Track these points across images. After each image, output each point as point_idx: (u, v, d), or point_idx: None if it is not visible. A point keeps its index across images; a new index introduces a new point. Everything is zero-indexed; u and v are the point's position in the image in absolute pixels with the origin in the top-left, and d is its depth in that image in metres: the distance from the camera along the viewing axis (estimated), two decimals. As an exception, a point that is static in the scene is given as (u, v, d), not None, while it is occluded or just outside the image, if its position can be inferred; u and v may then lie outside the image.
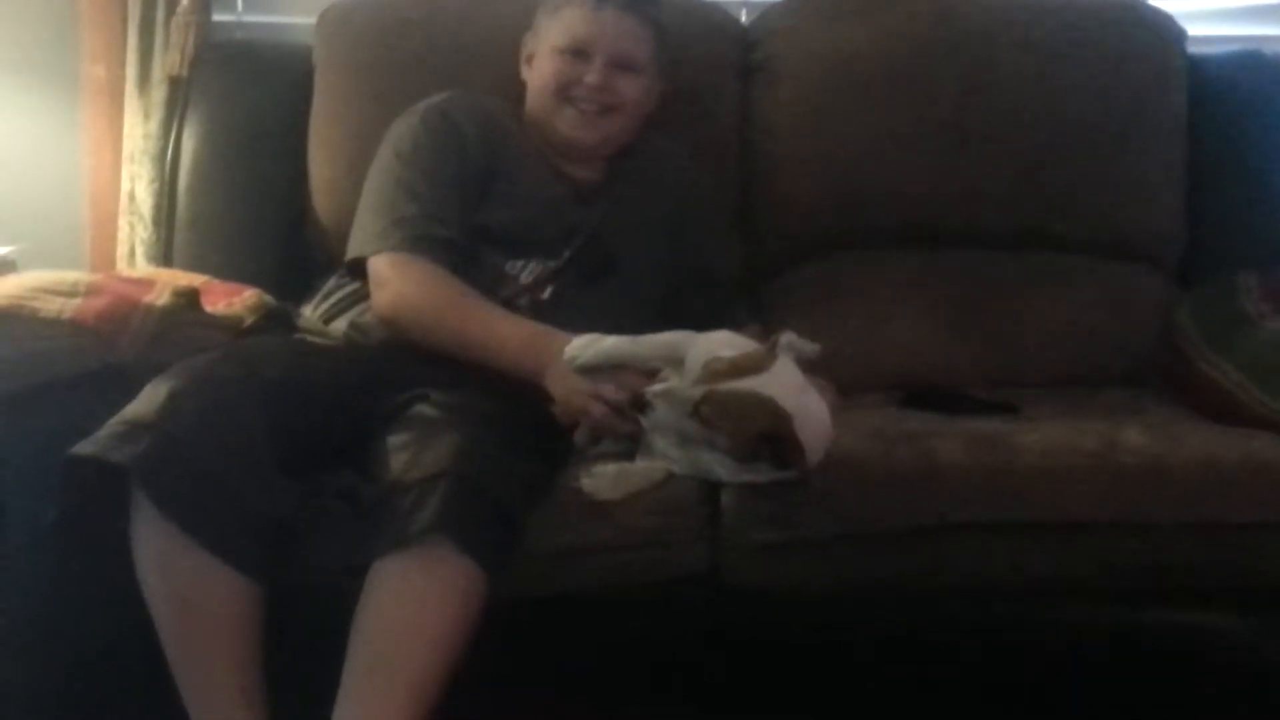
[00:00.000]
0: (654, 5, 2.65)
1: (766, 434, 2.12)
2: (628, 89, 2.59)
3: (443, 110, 2.59)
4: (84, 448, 2.04)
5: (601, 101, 2.57)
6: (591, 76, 2.56)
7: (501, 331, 2.36)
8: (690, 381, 2.16)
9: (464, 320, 2.38)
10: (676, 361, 2.21)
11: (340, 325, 2.52)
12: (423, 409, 2.23)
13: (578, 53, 2.56)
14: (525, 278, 2.52)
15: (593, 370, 2.26)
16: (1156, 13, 3.05)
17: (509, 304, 2.46)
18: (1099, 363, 2.85)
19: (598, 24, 2.57)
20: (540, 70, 2.61)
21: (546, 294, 2.51)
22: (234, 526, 2.05)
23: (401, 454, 2.12)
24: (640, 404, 2.19)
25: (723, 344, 2.25)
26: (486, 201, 2.54)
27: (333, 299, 2.58)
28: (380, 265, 2.45)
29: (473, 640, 2.05)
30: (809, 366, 2.24)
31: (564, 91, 2.57)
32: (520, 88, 2.68)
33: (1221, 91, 3.04)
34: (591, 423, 2.27)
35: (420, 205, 2.48)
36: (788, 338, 2.22)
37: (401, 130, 2.58)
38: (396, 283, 2.42)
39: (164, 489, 2.03)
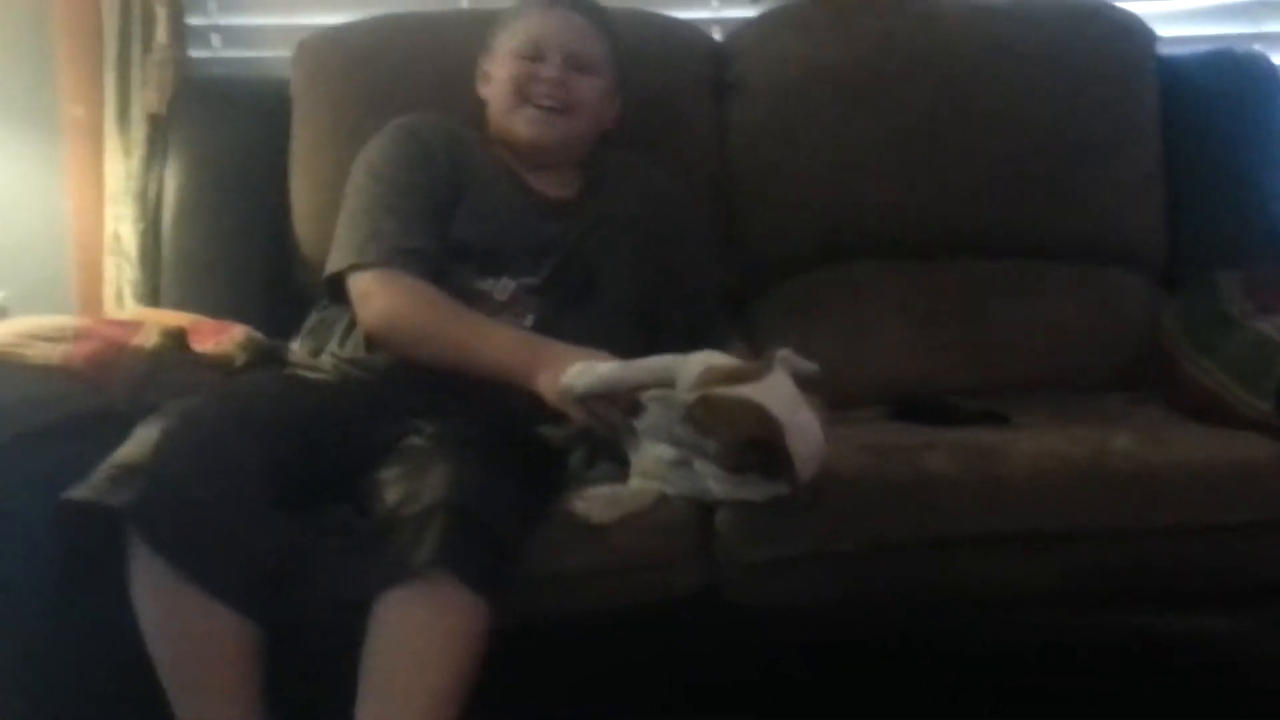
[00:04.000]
0: (605, 13, 2.70)
1: (756, 441, 2.11)
2: (584, 89, 2.62)
3: (410, 128, 2.61)
4: (78, 492, 2.04)
5: (559, 98, 2.59)
6: (548, 70, 2.59)
7: (490, 337, 2.39)
8: (685, 387, 2.17)
9: (451, 329, 2.40)
10: (668, 384, 2.22)
11: (325, 358, 2.52)
12: (414, 440, 2.24)
13: (533, 53, 2.60)
14: (500, 294, 2.52)
15: (587, 398, 2.27)
16: (1126, 15, 3.07)
17: None
18: (1085, 368, 2.86)
19: (551, 23, 2.62)
20: (498, 78, 2.64)
21: (529, 320, 2.51)
22: (230, 566, 2.04)
23: (395, 487, 2.12)
24: (634, 408, 2.20)
25: (713, 362, 2.26)
26: (455, 218, 2.55)
27: (314, 331, 2.59)
28: (363, 281, 2.47)
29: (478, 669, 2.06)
30: (802, 386, 2.24)
31: (522, 91, 2.60)
32: (484, 110, 2.69)
33: (1194, 91, 3.06)
34: (589, 417, 2.27)
35: (396, 220, 2.50)
36: (784, 353, 2.22)
37: (372, 151, 2.61)
38: (383, 296, 2.44)
39: (159, 531, 2.02)
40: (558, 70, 2.59)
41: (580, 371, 2.26)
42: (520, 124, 2.61)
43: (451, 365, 2.37)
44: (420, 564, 2.01)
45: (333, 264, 2.53)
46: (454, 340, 2.39)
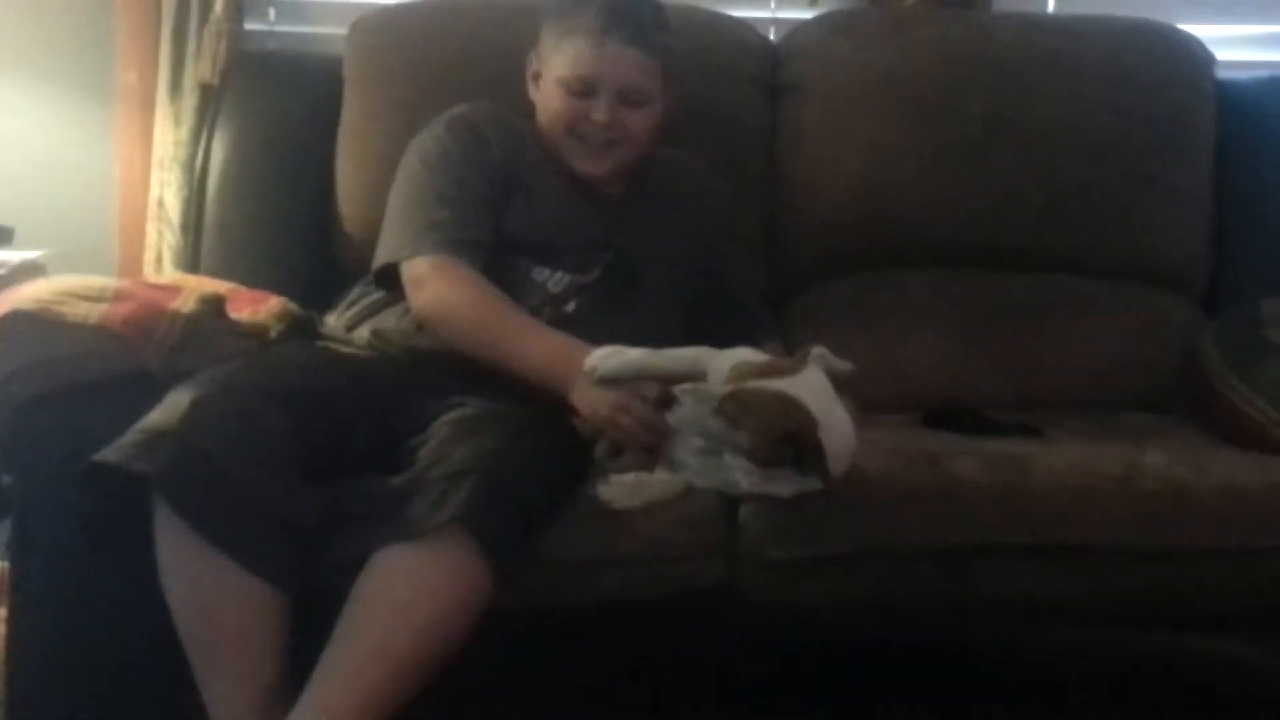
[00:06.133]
0: (661, 31, 2.59)
1: (790, 436, 2.11)
2: (636, 123, 2.55)
3: (467, 120, 2.59)
4: (106, 455, 2.05)
5: (609, 137, 2.55)
6: (598, 114, 2.52)
7: (532, 342, 2.37)
8: (718, 381, 2.16)
9: (497, 327, 2.39)
10: (698, 375, 2.21)
11: (363, 333, 2.52)
12: (452, 415, 2.24)
13: (583, 90, 2.53)
14: (553, 287, 2.52)
15: (613, 382, 2.26)
16: (1187, 38, 3.05)
17: (533, 314, 2.45)
18: (1122, 387, 2.84)
19: (603, 60, 2.51)
20: (547, 100, 2.58)
21: (571, 307, 2.51)
22: (256, 533, 2.05)
23: (429, 453, 2.13)
24: (667, 400, 2.19)
25: (747, 358, 2.26)
26: (509, 210, 2.54)
27: (356, 306, 2.59)
28: (419, 267, 2.45)
29: (472, 639, 2.03)
30: (836, 385, 2.23)
31: (572, 128, 2.54)
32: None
33: (1250, 117, 3.04)
34: (617, 434, 2.27)
35: (452, 210, 2.48)
36: (819, 350, 2.21)
37: (427, 140, 2.59)
38: (435, 284, 2.43)
39: (186, 497, 2.04)
40: (608, 112, 2.52)
41: (607, 354, 2.26)
42: (571, 157, 2.57)
43: (491, 363, 2.36)
44: (440, 521, 2.01)
45: (387, 253, 2.52)
46: (496, 341, 2.38)
